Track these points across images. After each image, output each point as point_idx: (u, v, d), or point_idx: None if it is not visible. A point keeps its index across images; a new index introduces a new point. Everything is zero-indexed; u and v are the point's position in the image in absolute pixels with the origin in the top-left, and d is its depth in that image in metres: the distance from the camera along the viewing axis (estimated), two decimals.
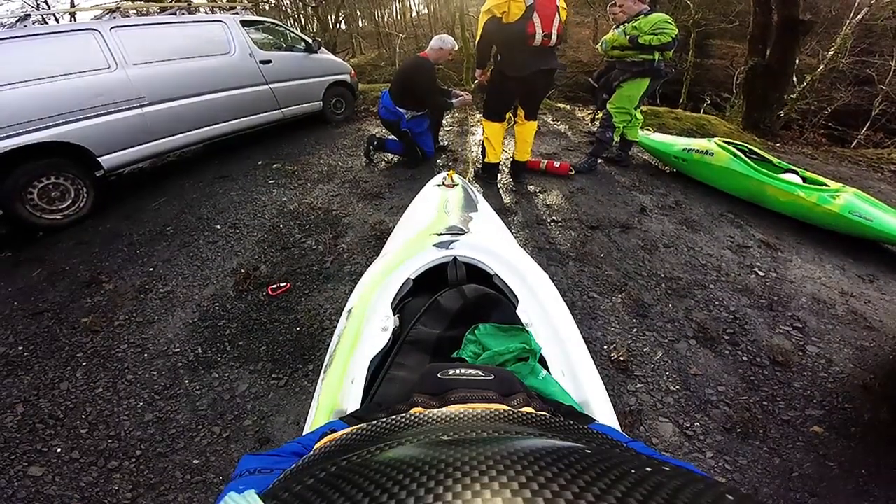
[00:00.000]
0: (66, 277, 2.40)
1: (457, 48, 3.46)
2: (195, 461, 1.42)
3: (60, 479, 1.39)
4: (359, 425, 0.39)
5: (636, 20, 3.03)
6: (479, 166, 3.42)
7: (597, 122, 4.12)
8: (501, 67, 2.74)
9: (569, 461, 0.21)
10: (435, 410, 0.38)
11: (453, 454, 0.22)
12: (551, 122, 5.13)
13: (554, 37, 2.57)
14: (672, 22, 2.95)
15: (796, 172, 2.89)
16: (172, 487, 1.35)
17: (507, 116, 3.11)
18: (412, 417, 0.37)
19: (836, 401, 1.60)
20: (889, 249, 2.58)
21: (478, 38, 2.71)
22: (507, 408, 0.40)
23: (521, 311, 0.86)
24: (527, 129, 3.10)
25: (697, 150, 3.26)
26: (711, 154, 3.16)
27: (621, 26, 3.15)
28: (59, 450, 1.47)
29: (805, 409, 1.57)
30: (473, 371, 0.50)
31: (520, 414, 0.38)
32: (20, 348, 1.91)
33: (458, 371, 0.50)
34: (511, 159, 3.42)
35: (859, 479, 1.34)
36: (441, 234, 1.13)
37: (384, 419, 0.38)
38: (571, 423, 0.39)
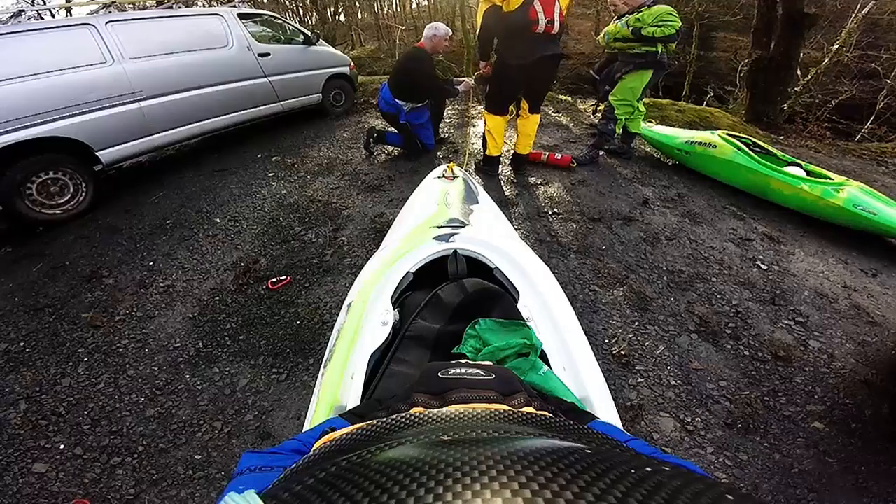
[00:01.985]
0: (67, 272, 2.40)
1: (451, 33, 3.42)
2: (197, 457, 1.43)
3: (64, 475, 1.39)
4: (359, 424, 0.39)
5: (639, 12, 2.99)
6: (480, 158, 3.40)
7: (599, 115, 4.09)
8: (503, 57, 2.71)
9: (569, 461, 0.21)
10: (435, 410, 0.38)
11: (453, 454, 0.22)
12: (553, 114, 5.09)
13: (557, 24, 2.54)
14: (675, 14, 2.91)
15: (800, 166, 2.87)
16: (175, 483, 1.36)
17: (510, 109, 3.08)
18: (412, 417, 0.36)
19: (838, 396, 1.60)
20: (892, 243, 2.56)
21: (478, 29, 2.67)
22: (507, 408, 0.39)
23: (522, 306, 0.85)
24: (530, 122, 3.07)
25: (700, 143, 3.24)
26: (714, 147, 3.13)
27: (624, 18, 3.11)
28: (62, 446, 1.48)
29: (806, 404, 1.57)
30: (474, 371, 0.49)
31: (520, 414, 0.37)
32: (22, 344, 1.91)
33: (458, 370, 0.50)
34: (512, 151, 3.40)
35: (859, 476, 1.34)
36: (441, 227, 1.12)
37: (384, 419, 0.37)
38: (572, 422, 0.39)
